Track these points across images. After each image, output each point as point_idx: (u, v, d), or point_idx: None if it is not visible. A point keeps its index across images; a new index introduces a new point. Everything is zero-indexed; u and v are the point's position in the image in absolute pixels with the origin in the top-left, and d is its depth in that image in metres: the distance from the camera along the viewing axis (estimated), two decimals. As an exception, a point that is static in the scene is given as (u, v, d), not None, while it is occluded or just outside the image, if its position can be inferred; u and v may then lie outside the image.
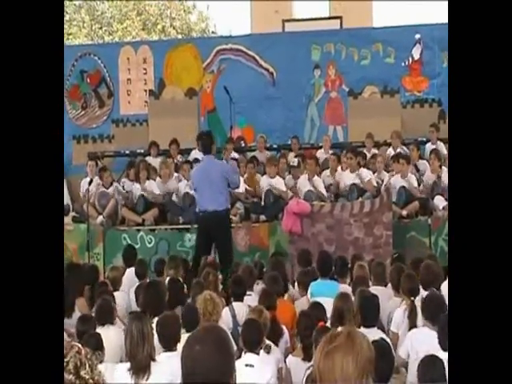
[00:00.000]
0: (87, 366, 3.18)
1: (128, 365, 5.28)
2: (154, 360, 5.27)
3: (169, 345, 5.68)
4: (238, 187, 11.52)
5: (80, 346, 3.27)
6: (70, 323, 7.04)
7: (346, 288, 8.17)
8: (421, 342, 6.11)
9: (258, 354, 5.86)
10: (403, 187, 12.24)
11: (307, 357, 6.12)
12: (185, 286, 8.20)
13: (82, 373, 3.17)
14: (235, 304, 7.59)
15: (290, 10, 18.38)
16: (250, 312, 6.60)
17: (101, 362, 5.29)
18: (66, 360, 3.16)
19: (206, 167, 10.67)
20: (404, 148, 14.07)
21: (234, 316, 7.34)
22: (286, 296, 8.46)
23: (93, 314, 6.97)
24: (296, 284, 9.02)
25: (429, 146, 13.95)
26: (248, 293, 7.99)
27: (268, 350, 6.13)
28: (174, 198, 13.07)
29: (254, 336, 5.94)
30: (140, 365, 5.20)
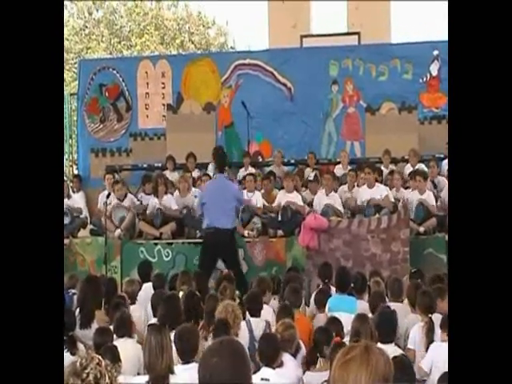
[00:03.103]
0: (107, 377, 3.20)
1: (146, 377, 5.30)
2: (172, 372, 5.27)
3: (186, 357, 5.69)
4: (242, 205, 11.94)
5: (100, 357, 3.29)
6: (89, 335, 7.09)
7: (363, 304, 8.18)
8: (442, 358, 6.09)
9: (273, 368, 5.87)
10: (421, 204, 12.21)
11: (324, 372, 6.12)
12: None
13: (102, 384, 3.19)
14: (252, 319, 7.59)
15: (308, 25, 18.42)
16: (279, 325, 6.61)
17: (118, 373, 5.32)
18: (86, 371, 3.18)
19: (219, 185, 10.82)
20: (422, 165, 14.05)
21: (251, 331, 7.34)
22: (302, 310, 8.47)
23: (111, 327, 7.01)
24: (312, 301, 9.02)
25: (446, 163, 13.92)
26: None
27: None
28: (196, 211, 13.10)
29: (271, 350, 5.94)
30: (159, 377, 5.20)
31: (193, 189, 13.76)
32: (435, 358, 6.25)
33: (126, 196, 13.41)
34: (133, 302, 8.63)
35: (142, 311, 8.53)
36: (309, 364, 6.60)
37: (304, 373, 6.44)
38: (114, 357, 5.78)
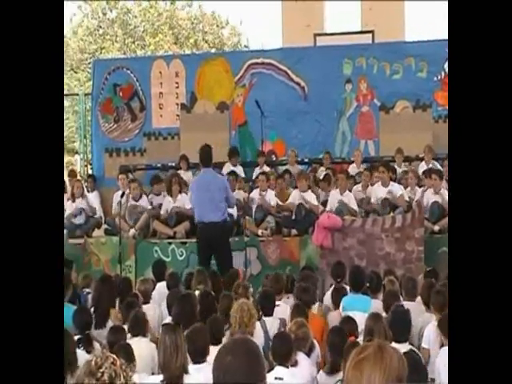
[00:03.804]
0: (122, 377, 3.20)
1: (161, 376, 5.30)
2: (186, 372, 5.28)
3: (197, 357, 5.70)
4: (233, 206, 11.82)
5: (115, 356, 3.29)
6: (104, 334, 7.11)
7: (378, 303, 8.16)
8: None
9: (287, 367, 5.87)
10: (436, 202, 12.17)
11: (337, 372, 6.10)
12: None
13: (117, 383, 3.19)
14: (266, 319, 7.58)
15: (322, 24, 18.42)
16: (292, 324, 6.60)
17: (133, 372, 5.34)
18: (101, 371, 3.18)
19: (204, 179, 10.80)
20: (436, 163, 14.02)
21: (266, 331, 7.33)
22: (315, 309, 8.45)
23: (124, 326, 7.03)
24: (325, 298, 9.01)
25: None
26: (276, 303, 8.01)
27: None
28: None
29: (284, 349, 5.94)
30: (173, 376, 5.20)
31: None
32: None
33: (141, 196, 13.45)
34: (146, 301, 8.64)
35: (155, 310, 8.55)
36: (325, 365, 6.59)
37: (318, 372, 6.44)
38: (129, 355, 5.79)
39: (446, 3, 4.01)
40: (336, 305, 8.42)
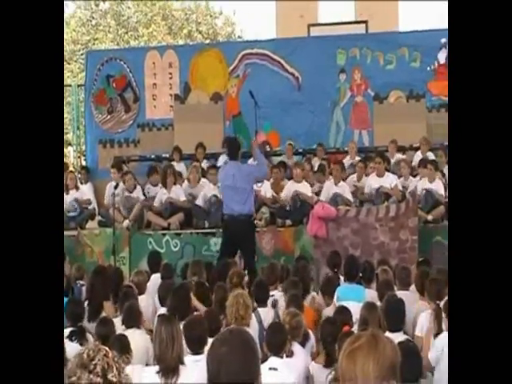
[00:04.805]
0: (115, 368, 3.18)
1: (157, 367, 5.30)
2: (182, 363, 5.28)
3: (196, 348, 5.69)
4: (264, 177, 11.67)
5: (107, 348, 3.28)
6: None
7: (372, 293, 8.17)
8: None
9: (281, 357, 5.86)
10: (429, 192, 12.20)
11: (330, 363, 6.09)
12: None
13: (110, 376, 3.16)
14: (260, 309, 7.58)
15: (316, 14, 18.38)
16: (285, 314, 6.59)
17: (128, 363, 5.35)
18: (93, 363, 3.17)
19: (230, 172, 10.75)
20: (431, 154, 14.03)
21: (260, 322, 7.32)
22: (308, 301, 8.44)
23: (113, 318, 7.02)
24: (319, 291, 9.00)
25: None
26: (271, 293, 8.01)
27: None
28: (199, 202, 13.06)
29: (278, 339, 5.93)
30: (169, 367, 5.20)
31: (202, 179, 13.75)
32: (444, 349, 6.21)
33: (135, 187, 13.42)
34: (141, 293, 8.65)
35: (149, 301, 8.54)
36: (318, 355, 6.59)
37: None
38: (124, 347, 5.79)
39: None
40: (327, 295, 8.40)
